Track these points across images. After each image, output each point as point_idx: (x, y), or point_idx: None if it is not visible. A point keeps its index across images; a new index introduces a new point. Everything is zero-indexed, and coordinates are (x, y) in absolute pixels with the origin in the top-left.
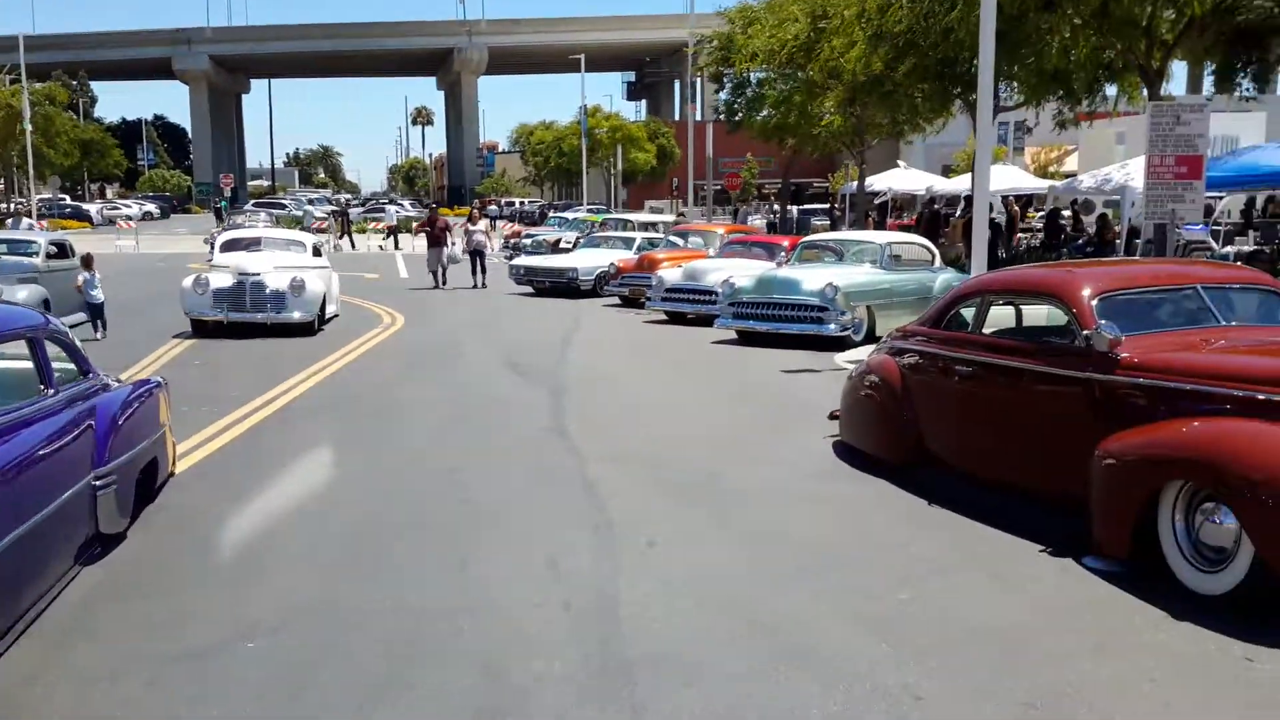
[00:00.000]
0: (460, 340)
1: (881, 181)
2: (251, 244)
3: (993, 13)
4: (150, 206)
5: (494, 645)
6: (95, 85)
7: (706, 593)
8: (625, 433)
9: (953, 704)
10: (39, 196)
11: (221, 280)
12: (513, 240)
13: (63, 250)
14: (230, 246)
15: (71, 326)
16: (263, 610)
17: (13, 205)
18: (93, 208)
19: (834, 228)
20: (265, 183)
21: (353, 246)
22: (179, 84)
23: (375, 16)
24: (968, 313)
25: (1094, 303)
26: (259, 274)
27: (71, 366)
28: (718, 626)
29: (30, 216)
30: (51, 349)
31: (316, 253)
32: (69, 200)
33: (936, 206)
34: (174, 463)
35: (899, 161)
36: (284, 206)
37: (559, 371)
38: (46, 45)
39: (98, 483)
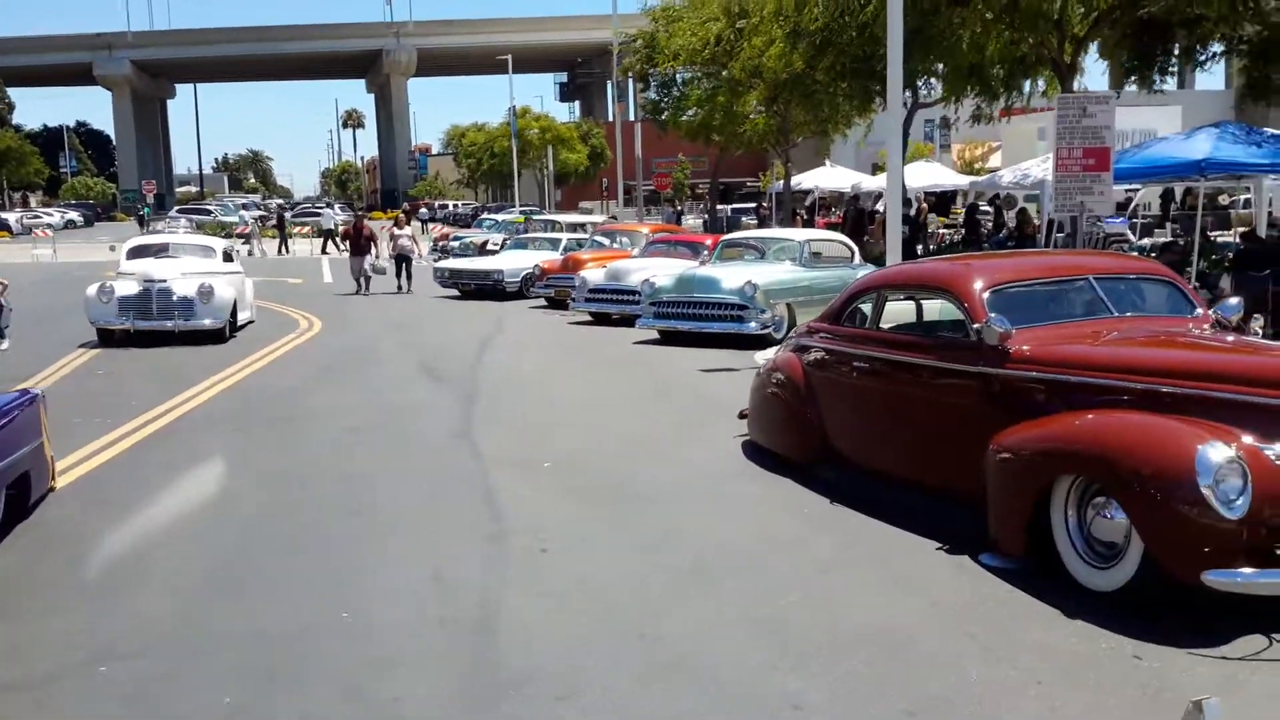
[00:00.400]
0: (377, 345)
1: (810, 180)
2: (159, 250)
3: (899, 5)
4: (73, 214)
5: (360, 666)
6: (14, 92)
7: (593, 602)
8: (533, 437)
9: (832, 712)
10: None
11: (127, 288)
12: (441, 243)
13: None
14: (138, 253)
15: None
16: (121, 633)
17: None
18: (12, 216)
19: (763, 226)
20: (195, 188)
21: (286, 251)
22: (102, 90)
23: (301, 19)
24: (865, 308)
25: (985, 296)
26: (166, 280)
27: None
28: (600, 638)
29: None
30: None
31: (228, 258)
32: None
33: (861, 204)
34: (54, 477)
35: (825, 160)
36: (209, 212)
37: (475, 376)
38: None
39: None
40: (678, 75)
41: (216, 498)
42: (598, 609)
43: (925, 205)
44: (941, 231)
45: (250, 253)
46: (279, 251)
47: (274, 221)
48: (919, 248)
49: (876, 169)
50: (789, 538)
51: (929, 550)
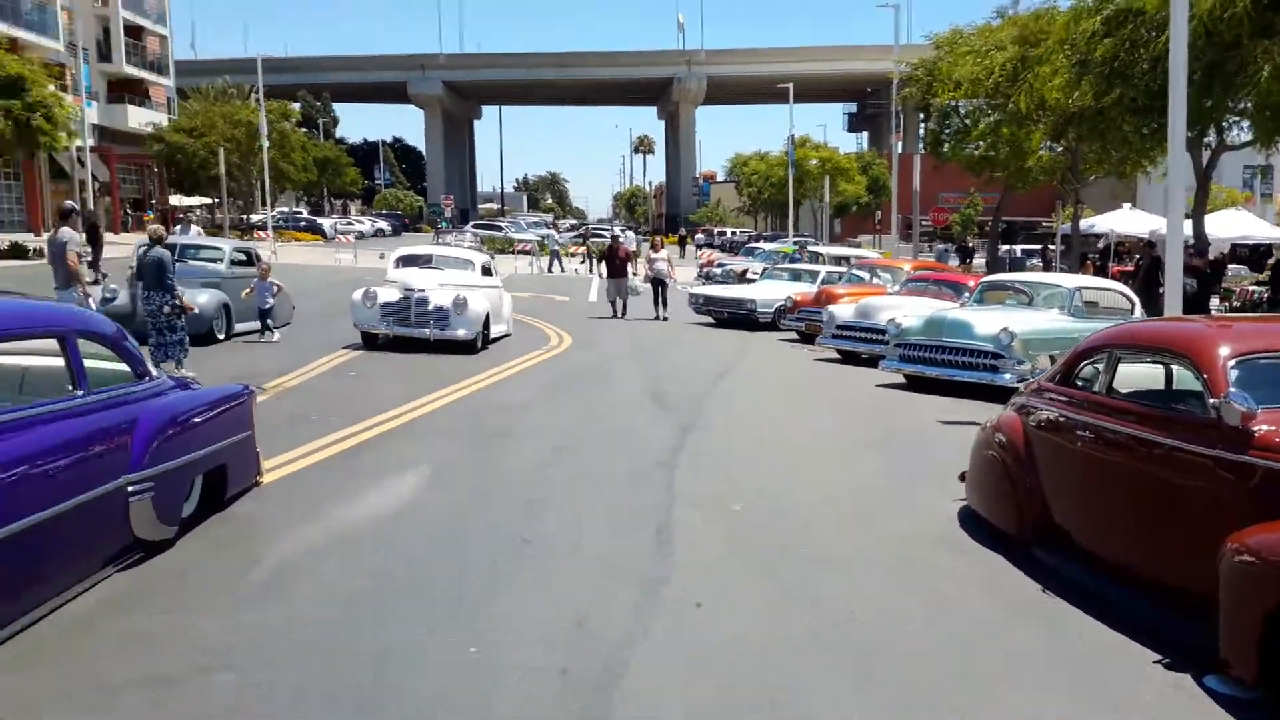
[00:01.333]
0: (615, 367)
1: (1105, 222)
2: (424, 261)
3: (1183, 30)
4: (383, 224)
5: (459, 707)
6: (338, 107)
7: (731, 670)
8: (736, 476)
9: None
10: (278, 209)
11: (389, 295)
12: (706, 269)
13: (249, 258)
14: (405, 263)
15: (251, 332)
16: (253, 640)
17: (250, 219)
18: (327, 222)
19: (1047, 271)
20: (496, 205)
21: (593, 270)
22: (415, 108)
23: (597, 46)
24: (1094, 369)
25: (1229, 366)
26: (424, 290)
27: (124, 368)
28: (724, 712)
29: (196, 224)
30: (93, 348)
31: (487, 272)
32: (305, 214)
33: (1157, 252)
34: (261, 472)
35: (1124, 203)
36: (500, 229)
37: (701, 405)
38: (292, 68)
39: (131, 488)
40: (960, 106)
41: (403, 509)
42: (732, 678)
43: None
44: (1250, 289)
45: (541, 269)
46: (578, 270)
47: (555, 243)
48: (1217, 304)
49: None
50: (981, 626)
51: (1145, 663)
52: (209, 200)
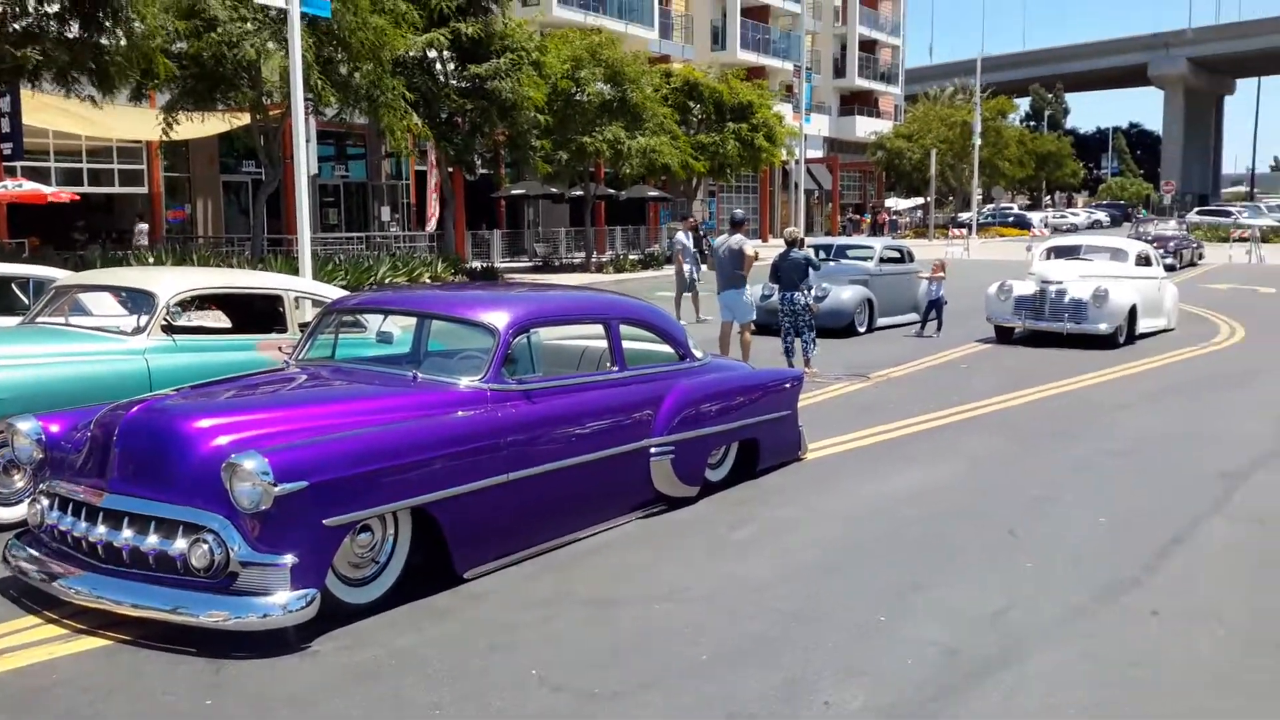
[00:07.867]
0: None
1: None
2: (1069, 252)
3: None
4: (1100, 214)
5: (837, 672)
6: (1070, 97)
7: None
8: None
9: None
10: (990, 206)
11: (1024, 288)
12: None
13: (901, 256)
14: (1053, 254)
15: (905, 325)
16: (703, 584)
17: (958, 217)
18: (1038, 216)
19: None
20: (1245, 188)
21: None
22: (1155, 90)
23: None
24: None
25: None
26: (1061, 282)
27: (668, 350)
28: None
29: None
30: (637, 332)
31: (1144, 262)
32: (1015, 209)
33: None
34: (804, 449)
35: None
36: (1229, 214)
37: None
38: (1027, 62)
39: (653, 450)
40: None
41: (910, 494)
42: None
43: None
44: None
45: (1260, 258)
46: None
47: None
48: None
49: None
50: None
51: None
52: (920, 200)
